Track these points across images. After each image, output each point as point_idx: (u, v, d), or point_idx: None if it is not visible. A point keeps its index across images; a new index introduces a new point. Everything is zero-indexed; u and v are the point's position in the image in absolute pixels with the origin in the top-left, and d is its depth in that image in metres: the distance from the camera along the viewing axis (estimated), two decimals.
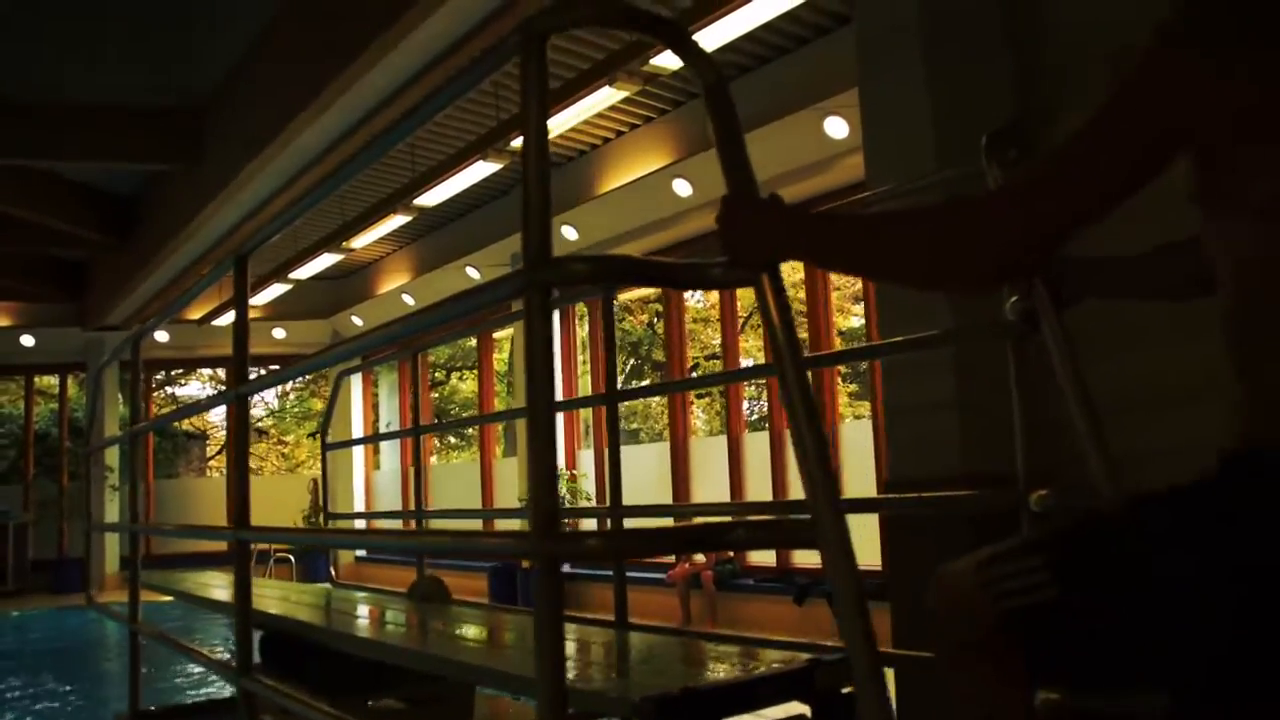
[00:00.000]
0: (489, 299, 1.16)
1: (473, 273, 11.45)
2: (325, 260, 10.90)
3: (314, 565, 13.98)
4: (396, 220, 9.21)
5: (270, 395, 22.75)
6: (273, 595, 3.37)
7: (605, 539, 1.01)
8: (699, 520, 4.60)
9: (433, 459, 16.10)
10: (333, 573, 7.46)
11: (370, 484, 15.22)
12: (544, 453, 1.06)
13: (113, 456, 14.25)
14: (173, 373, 18.72)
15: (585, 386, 11.42)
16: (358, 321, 14.35)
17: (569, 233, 10.00)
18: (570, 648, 1.93)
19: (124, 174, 10.42)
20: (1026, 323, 1.64)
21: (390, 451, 15.25)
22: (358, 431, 15.08)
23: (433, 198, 8.52)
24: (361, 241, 10.03)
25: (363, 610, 3.16)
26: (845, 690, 1.40)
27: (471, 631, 2.42)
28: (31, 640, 10.29)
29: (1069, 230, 1.08)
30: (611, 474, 2.49)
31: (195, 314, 14.27)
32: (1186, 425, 2.20)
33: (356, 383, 15.20)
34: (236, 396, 2.19)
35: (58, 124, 8.83)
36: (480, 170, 7.74)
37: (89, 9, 8.00)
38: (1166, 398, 2.36)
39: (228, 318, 13.58)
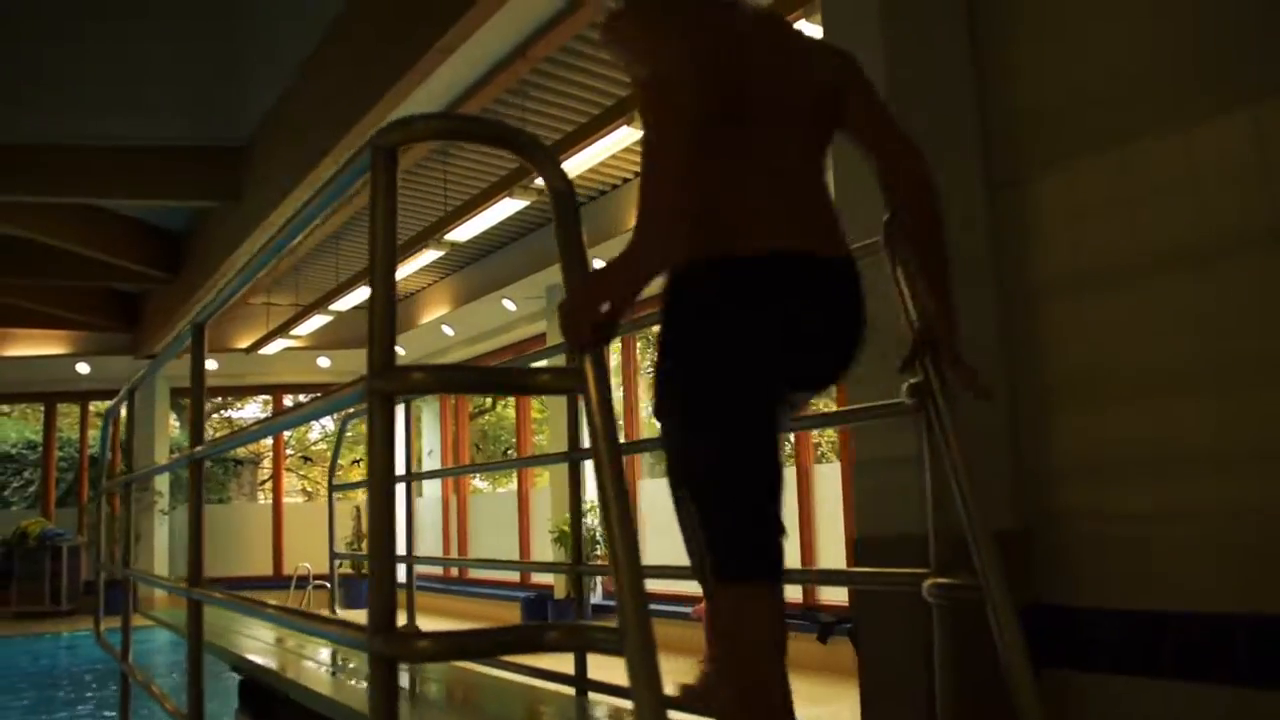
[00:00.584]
0: (337, 406, 1.21)
1: (509, 304, 11.59)
2: (365, 292, 11.08)
3: (353, 592, 14.20)
4: (429, 255, 9.36)
5: (327, 419, 23.21)
6: (261, 634, 3.45)
7: (434, 640, 1.05)
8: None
9: (479, 482, 16.25)
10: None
11: (412, 511, 15.38)
12: (384, 547, 1.11)
13: (163, 481, 14.62)
14: (226, 399, 19.14)
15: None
16: (400, 351, 14.53)
17: (598, 264, 10.08)
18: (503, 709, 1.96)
19: (175, 210, 10.76)
20: (918, 400, 1.66)
21: (431, 479, 15.43)
22: (400, 461, 15.27)
23: (463, 233, 8.65)
24: (399, 274, 10.18)
25: (325, 656, 3.22)
26: None
27: (431, 690, 2.46)
28: (74, 660, 10.56)
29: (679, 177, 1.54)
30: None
31: (243, 343, 14.63)
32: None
33: (399, 410, 15.38)
34: (190, 460, 2.26)
35: (109, 165, 9.15)
36: (508, 206, 7.84)
37: (136, 56, 8.34)
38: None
39: (274, 346, 13.89)
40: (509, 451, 18.21)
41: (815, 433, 9.53)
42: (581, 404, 1.11)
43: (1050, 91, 2.60)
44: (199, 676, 2.08)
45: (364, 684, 2.67)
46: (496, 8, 4.62)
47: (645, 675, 0.97)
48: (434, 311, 13.52)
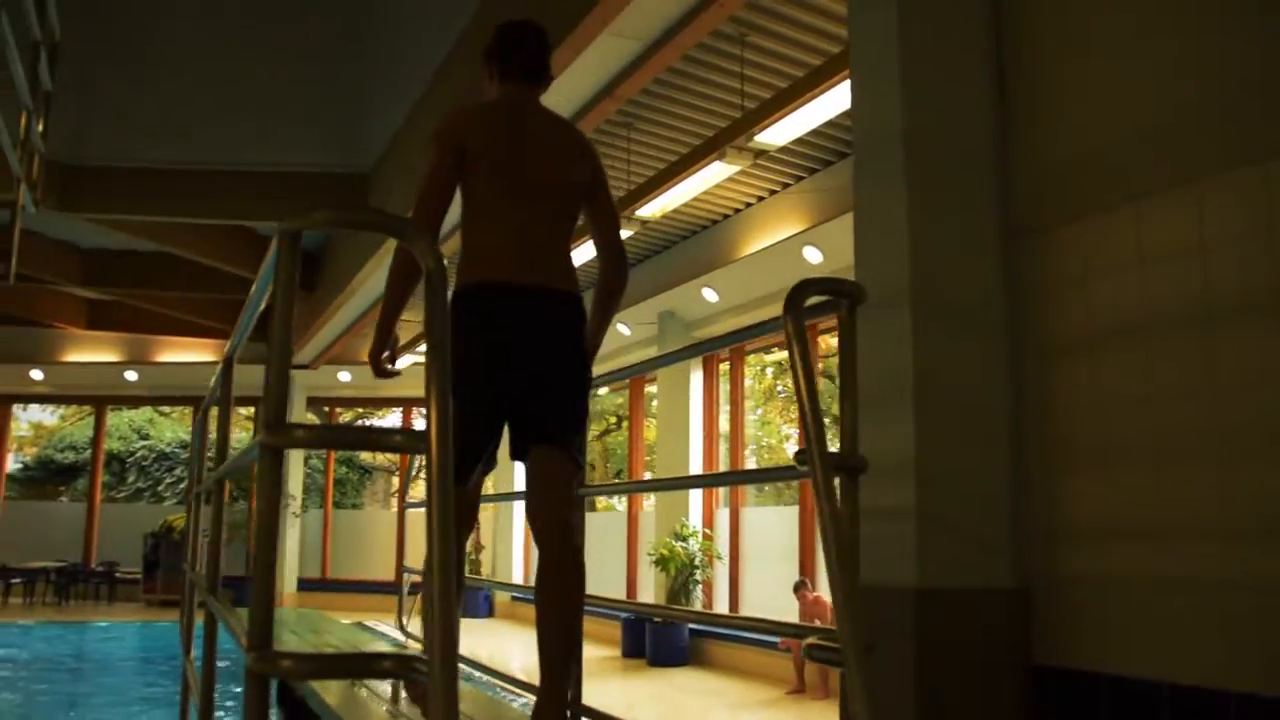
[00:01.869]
0: (240, 463, 1.36)
1: (624, 329, 11.81)
2: None
3: (471, 601, 14.65)
4: None
5: None
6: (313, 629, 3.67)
7: (295, 660, 1.19)
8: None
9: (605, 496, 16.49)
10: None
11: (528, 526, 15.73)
12: (264, 577, 1.25)
13: (296, 485, 15.42)
14: (365, 409, 20.02)
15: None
16: None
17: (709, 295, 10.20)
18: None
19: (310, 233, 11.42)
20: (804, 464, 1.71)
21: None
22: (520, 465, 15.68)
23: (576, 258, 8.88)
24: None
25: None
26: None
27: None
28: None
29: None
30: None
31: None
32: None
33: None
34: (196, 496, 2.47)
35: (253, 189, 9.83)
36: None
37: (279, 94, 8.99)
38: None
39: (403, 361, 14.46)
40: (620, 473, 18.39)
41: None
42: None
43: (1068, 145, 2.58)
44: (210, 685, 2.27)
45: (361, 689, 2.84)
46: (581, 48, 4.80)
47: (444, 707, 1.08)
48: None
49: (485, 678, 3.08)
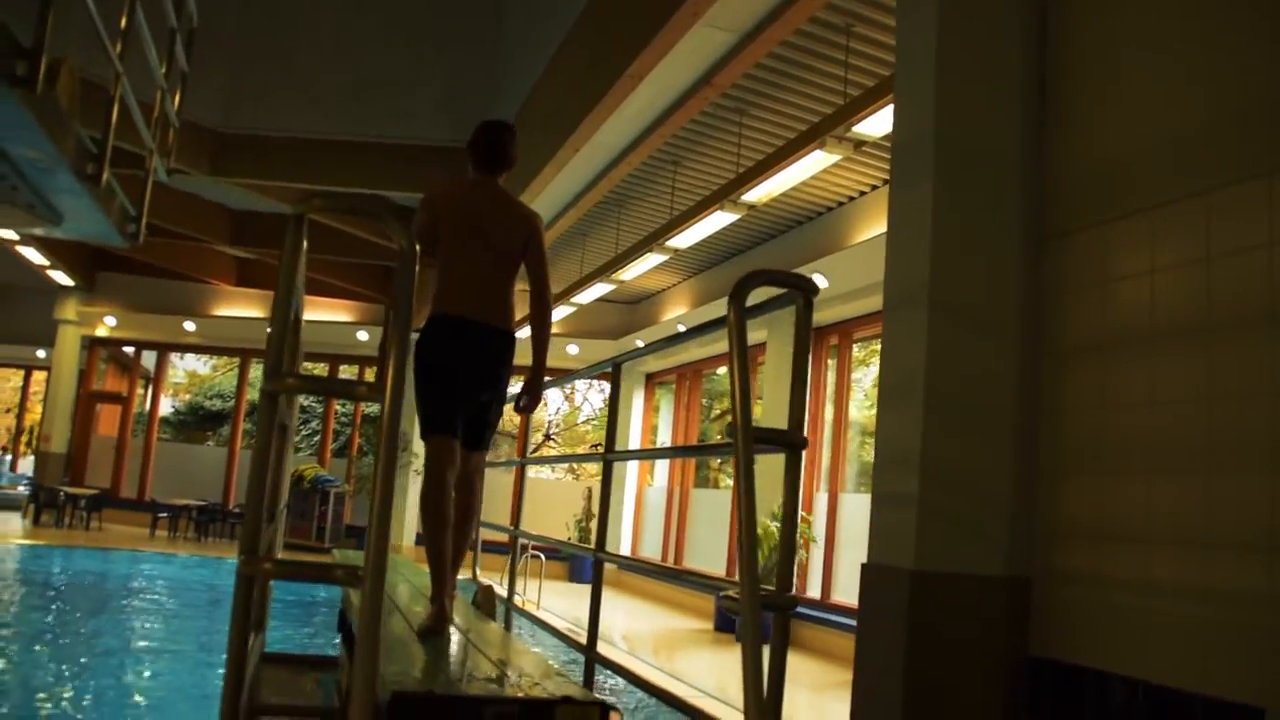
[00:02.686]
0: None
1: None
2: (600, 288, 11.81)
3: (579, 567, 15.11)
4: (653, 259, 9.87)
5: (597, 401, 24.76)
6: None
7: (274, 564, 1.45)
8: None
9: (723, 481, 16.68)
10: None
11: (641, 499, 16.08)
12: (256, 498, 1.52)
13: (419, 443, 16.12)
14: None
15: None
16: (639, 343, 15.28)
17: (820, 280, 10.24)
18: (477, 657, 2.33)
19: None
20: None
21: (662, 470, 16.05)
22: (635, 442, 16.05)
23: (684, 240, 9.09)
24: (629, 275, 10.81)
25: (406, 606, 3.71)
26: None
27: (447, 643, 2.87)
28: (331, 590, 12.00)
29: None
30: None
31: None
32: None
33: (639, 398, 16.18)
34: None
35: (382, 160, 10.38)
36: (721, 219, 8.21)
37: (404, 67, 9.51)
38: None
39: (525, 332, 14.98)
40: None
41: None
42: None
43: (1098, 150, 2.64)
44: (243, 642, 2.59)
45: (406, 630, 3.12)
46: (674, 41, 4.99)
47: (370, 610, 1.31)
48: (673, 311, 14.12)
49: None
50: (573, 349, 15.99)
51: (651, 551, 15.24)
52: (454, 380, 3.61)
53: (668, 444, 15.76)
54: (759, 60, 6.04)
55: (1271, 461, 2.12)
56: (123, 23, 3.25)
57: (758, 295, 2.20)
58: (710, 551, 13.22)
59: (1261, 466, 2.13)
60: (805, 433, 2.09)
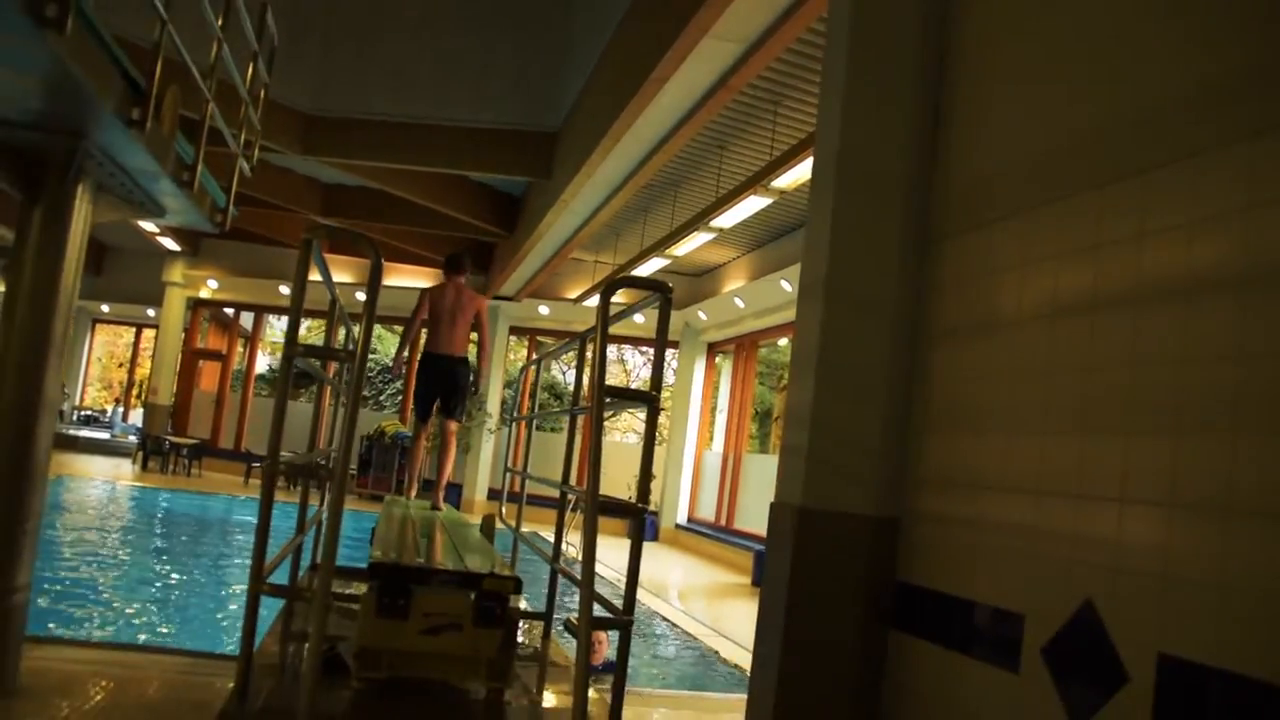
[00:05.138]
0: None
1: (785, 285, 12.57)
2: (660, 262, 12.53)
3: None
4: (701, 237, 10.55)
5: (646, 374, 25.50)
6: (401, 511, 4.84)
7: (274, 589, 2.23)
8: None
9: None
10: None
11: (699, 462, 16.83)
12: (264, 516, 2.32)
13: (494, 404, 17.14)
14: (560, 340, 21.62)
15: None
16: (703, 316, 15.97)
17: None
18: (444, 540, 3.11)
19: (513, 180, 12.83)
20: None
21: (720, 436, 16.77)
22: (695, 408, 16.78)
23: (726, 220, 9.75)
24: (681, 250, 11.50)
25: (421, 524, 4.53)
26: (496, 591, 2.49)
27: (438, 537, 3.66)
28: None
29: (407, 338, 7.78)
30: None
31: (572, 294, 16.71)
32: None
33: (700, 366, 16.90)
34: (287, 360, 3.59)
35: (461, 142, 11.23)
36: (755, 203, 8.86)
37: (485, 58, 10.32)
38: None
39: (596, 299, 15.83)
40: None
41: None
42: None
43: (976, 166, 3.25)
44: (264, 540, 3.40)
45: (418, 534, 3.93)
46: (687, 52, 5.67)
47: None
48: (733, 283, 14.77)
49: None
50: (638, 319, 16.74)
51: (707, 513, 16.01)
52: (430, 388, 7.30)
53: (725, 409, 16.47)
54: (780, 56, 6.64)
55: (1081, 424, 2.70)
56: (212, 54, 4.09)
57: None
58: (761, 513, 13.92)
59: (1076, 429, 2.68)
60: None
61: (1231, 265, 2.19)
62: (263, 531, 2.22)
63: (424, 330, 7.32)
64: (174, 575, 9.03)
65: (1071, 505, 2.60)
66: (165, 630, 6.91)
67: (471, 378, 7.32)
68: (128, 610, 7.25)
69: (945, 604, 3.03)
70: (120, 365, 32.33)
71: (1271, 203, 2.10)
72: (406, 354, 8.31)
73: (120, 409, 28.45)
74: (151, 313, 20.71)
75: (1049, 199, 2.86)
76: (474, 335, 7.39)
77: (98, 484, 14.83)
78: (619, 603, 2.74)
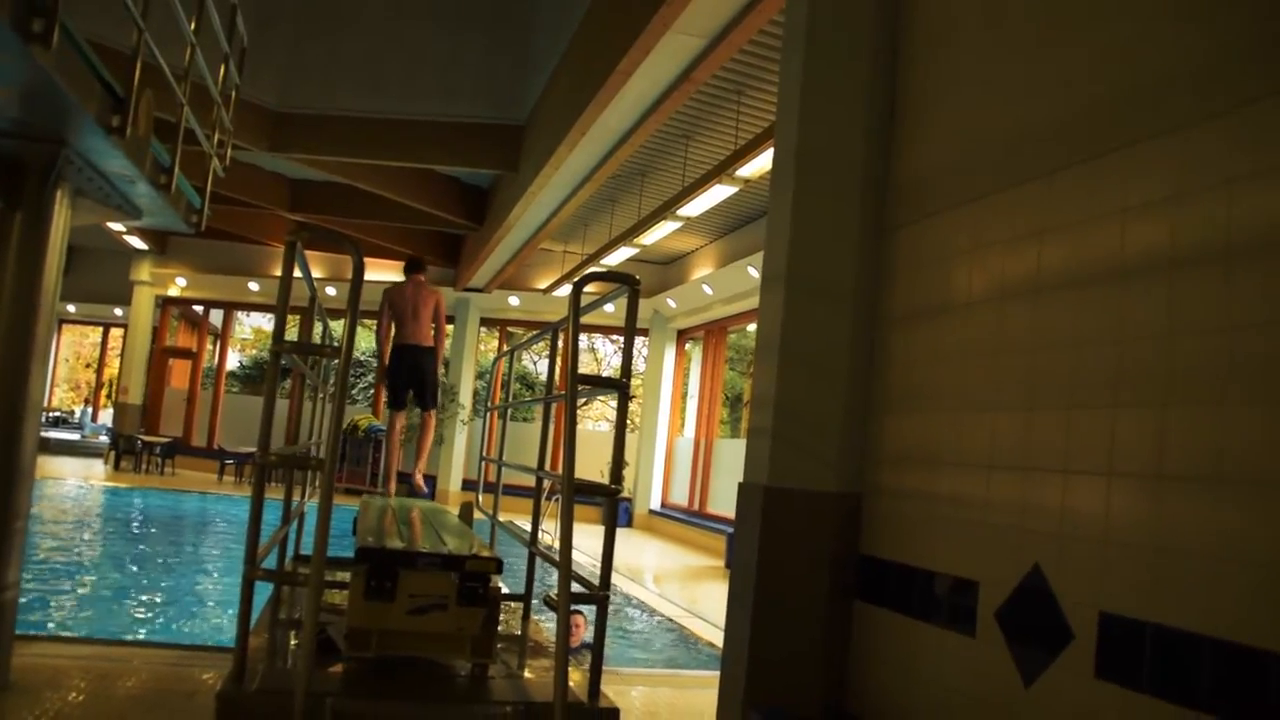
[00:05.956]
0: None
1: (752, 271, 12.73)
2: (627, 251, 12.65)
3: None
4: (668, 226, 10.68)
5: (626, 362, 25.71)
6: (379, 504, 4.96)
7: (265, 573, 2.37)
8: None
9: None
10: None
11: (671, 448, 17.00)
12: (257, 498, 2.44)
13: (466, 395, 17.23)
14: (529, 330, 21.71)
15: None
16: (672, 303, 16.12)
17: None
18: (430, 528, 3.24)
19: (480, 173, 12.90)
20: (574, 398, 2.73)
21: (691, 422, 16.95)
22: (666, 394, 16.97)
23: (692, 209, 9.88)
24: (649, 239, 11.63)
25: (400, 513, 4.65)
26: (479, 571, 2.62)
27: (419, 524, 3.79)
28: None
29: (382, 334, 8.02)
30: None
31: (542, 284, 16.81)
32: None
33: (670, 353, 17.06)
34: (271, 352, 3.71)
35: (428, 137, 11.29)
36: (720, 191, 9.00)
37: (452, 53, 10.40)
38: None
39: (566, 289, 15.91)
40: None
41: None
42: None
43: (929, 159, 3.41)
44: (257, 528, 3.53)
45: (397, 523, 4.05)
46: (650, 47, 5.79)
47: (316, 565, 2.21)
48: (701, 270, 14.92)
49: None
50: (609, 308, 16.84)
51: (680, 498, 16.20)
52: (402, 378, 7.92)
53: (696, 395, 16.66)
54: (742, 48, 6.78)
55: (1027, 401, 2.86)
56: (186, 57, 4.17)
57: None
58: (733, 496, 14.10)
59: (1022, 406, 2.84)
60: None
61: (1160, 252, 2.36)
62: (255, 520, 2.34)
63: (391, 326, 7.95)
64: (154, 572, 9.09)
65: (1019, 477, 2.78)
66: (150, 625, 7.00)
67: (435, 361, 8.10)
68: (112, 607, 7.33)
69: (906, 574, 3.20)
70: (88, 366, 32.07)
71: (1198, 191, 2.27)
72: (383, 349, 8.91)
73: (89, 409, 28.25)
74: (119, 312, 20.60)
75: (998, 188, 3.03)
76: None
77: (71, 485, 14.80)
78: (596, 583, 2.88)
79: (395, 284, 7.98)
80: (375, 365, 10.33)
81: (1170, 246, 2.34)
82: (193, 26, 4.01)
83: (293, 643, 3.07)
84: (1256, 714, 1.94)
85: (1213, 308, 2.19)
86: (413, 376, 7.86)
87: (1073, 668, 2.46)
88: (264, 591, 3.34)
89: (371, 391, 19.41)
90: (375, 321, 8.75)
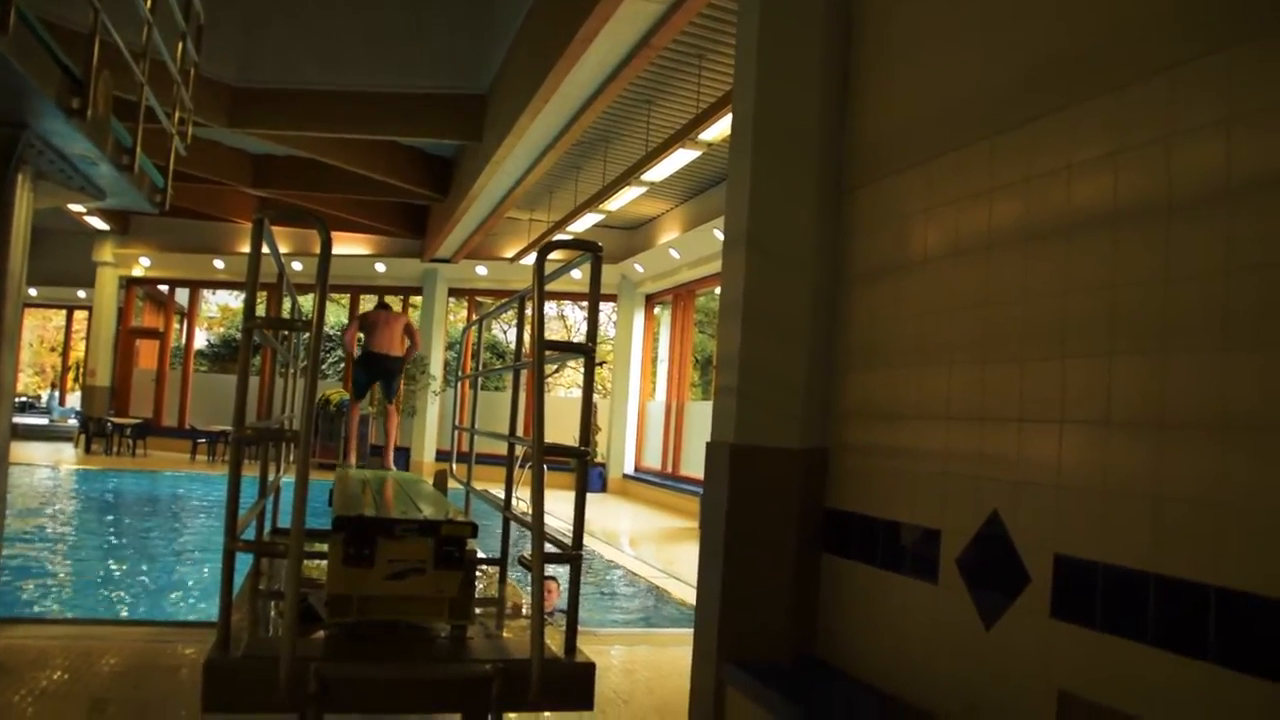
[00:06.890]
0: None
1: (718, 234, 12.80)
2: (593, 218, 12.67)
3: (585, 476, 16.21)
4: (633, 191, 10.71)
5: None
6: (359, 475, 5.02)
7: (245, 544, 2.42)
8: None
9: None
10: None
11: (643, 413, 17.11)
12: (235, 475, 2.49)
13: (436, 366, 17.24)
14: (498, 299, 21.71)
15: None
16: (639, 269, 16.16)
17: None
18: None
19: (444, 144, 12.84)
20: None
21: (662, 386, 17.07)
22: (637, 359, 17.06)
23: (656, 174, 9.92)
24: (614, 205, 11.66)
25: (376, 483, 4.72)
26: (454, 535, 2.70)
27: (395, 493, 3.86)
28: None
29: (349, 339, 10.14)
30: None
31: (509, 253, 16.79)
32: None
33: (639, 317, 17.14)
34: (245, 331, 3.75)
35: (389, 108, 11.21)
36: (684, 156, 9.04)
37: (408, 22, 10.35)
38: None
39: (533, 257, 15.94)
40: None
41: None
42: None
43: (882, 124, 3.48)
44: (236, 501, 3.58)
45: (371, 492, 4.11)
46: (609, 16, 5.81)
47: (296, 533, 2.27)
48: (667, 235, 14.96)
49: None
50: (576, 274, 16.86)
51: (653, 461, 16.34)
52: (369, 377, 9.52)
53: (666, 359, 16.76)
54: (701, 12, 6.80)
55: (981, 354, 2.95)
56: (143, 35, 4.16)
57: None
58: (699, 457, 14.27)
59: (977, 359, 2.93)
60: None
61: (1104, 207, 2.45)
62: (234, 493, 2.40)
63: (358, 334, 9.76)
64: (130, 550, 9.12)
65: (976, 428, 2.88)
66: (130, 603, 7.04)
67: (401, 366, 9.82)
68: (91, 587, 7.35)
69: (870, 526, 3.30)
70: (52, 349, 31.70)
71: (1134, 147, 2.36)
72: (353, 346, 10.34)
73: (56, 393, 27.97)
74: (83, 294, 20.37)
75: (948, 148, 3.11)
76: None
77: (42, 470, 14.72)
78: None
79: (367, 314, 9.85)
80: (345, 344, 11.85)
81: (1112, 202, 2.43)
82: (149, 5, 3.99)
83: (273, 613, 3.14)
84: (1197, 641, 2.05)
85: (1151, 260, 2.28)
86: (379, 375, 9.63)
87: (1030, 609, 2.57)
88: (243, 566, 3.39)
89: (342, 366, 19.39)
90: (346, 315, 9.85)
